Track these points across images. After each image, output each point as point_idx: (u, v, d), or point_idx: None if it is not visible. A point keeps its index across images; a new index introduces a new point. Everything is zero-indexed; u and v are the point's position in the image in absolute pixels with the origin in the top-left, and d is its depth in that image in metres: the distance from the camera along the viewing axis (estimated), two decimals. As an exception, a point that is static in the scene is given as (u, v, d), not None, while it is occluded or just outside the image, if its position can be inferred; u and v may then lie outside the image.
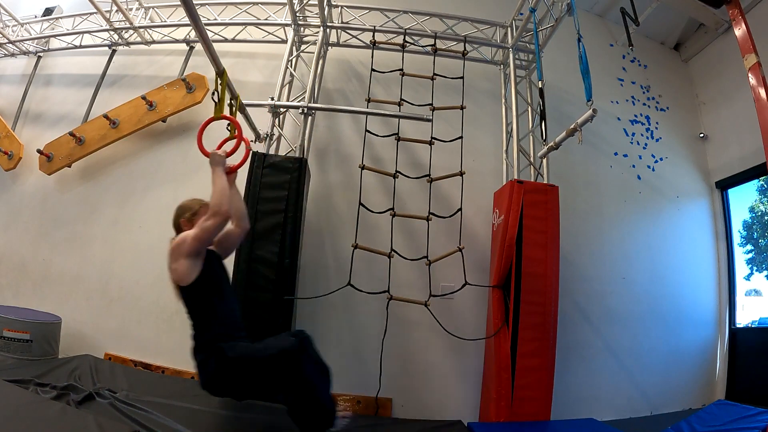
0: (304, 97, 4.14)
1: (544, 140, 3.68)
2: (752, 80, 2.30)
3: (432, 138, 3.90)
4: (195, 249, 2.21)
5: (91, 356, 3.70)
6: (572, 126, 3.07)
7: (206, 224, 2.21)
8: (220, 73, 2.75)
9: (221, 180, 2.33)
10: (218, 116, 2.70)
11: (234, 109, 2.99)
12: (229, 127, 2.76)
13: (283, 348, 2.15)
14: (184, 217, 2.39)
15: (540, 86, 3.80)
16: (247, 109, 3.60)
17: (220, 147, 2.62)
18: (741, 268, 4.92)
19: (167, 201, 4.52)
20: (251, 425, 2.76)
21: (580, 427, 3.33)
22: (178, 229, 2.39)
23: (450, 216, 3.76)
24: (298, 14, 4.46)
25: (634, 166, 4.96)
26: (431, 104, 4.02)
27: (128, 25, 4.94)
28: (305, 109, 3.94)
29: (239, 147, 2.64)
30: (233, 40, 4.89)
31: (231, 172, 2.51)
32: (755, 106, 2.27)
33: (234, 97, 3.03)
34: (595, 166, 4.82)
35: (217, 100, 2.71)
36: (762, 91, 2.23)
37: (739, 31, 2.42)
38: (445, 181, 3.87)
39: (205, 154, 2.49)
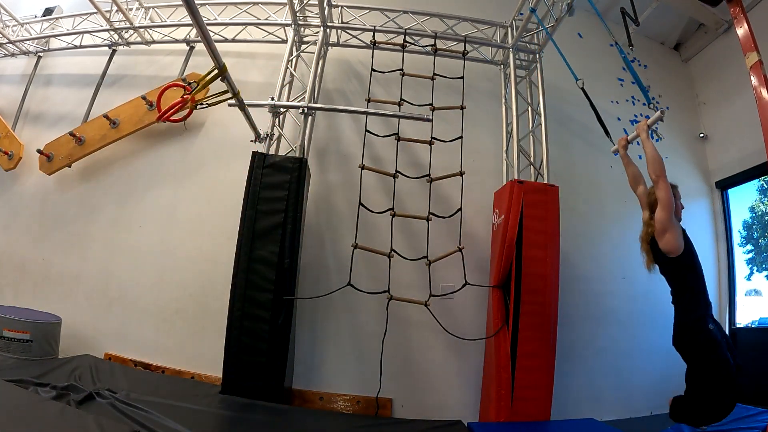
0: (304, 97, 4.14)
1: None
2: (753, 78, 2.30)
3: (432, 138, 3.90)
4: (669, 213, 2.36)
5: (91, 356, 3.71)
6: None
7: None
8: (221, 69, 2.76)
9: None
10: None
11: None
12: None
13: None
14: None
15: (581, 86, 3.50)
16: (248, 108, 3.59)
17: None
18: (741, 268, 4.92)
19: (167, 201, 4.59)
20: (251, 425, 2.76)
21: (580, 427, 3.34)
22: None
23: (450, 216, 3.75)
24: (298, 14, 4.46)
25: (634, 166, 4.95)
26: (431, 104, 4.02)
27: (128, 25, 4.94)
28: (305, 109, 3.94)
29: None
30: (233, 40, 4.89)
31: None
32: (756, 104, 2.27)
33: (235, 93, 3.09)
34: (595, 166, 4.81)
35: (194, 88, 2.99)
36: (763, 90, 2.22)
37: (741, 29, 2.40)
38: (445, 181, 3.87)
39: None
